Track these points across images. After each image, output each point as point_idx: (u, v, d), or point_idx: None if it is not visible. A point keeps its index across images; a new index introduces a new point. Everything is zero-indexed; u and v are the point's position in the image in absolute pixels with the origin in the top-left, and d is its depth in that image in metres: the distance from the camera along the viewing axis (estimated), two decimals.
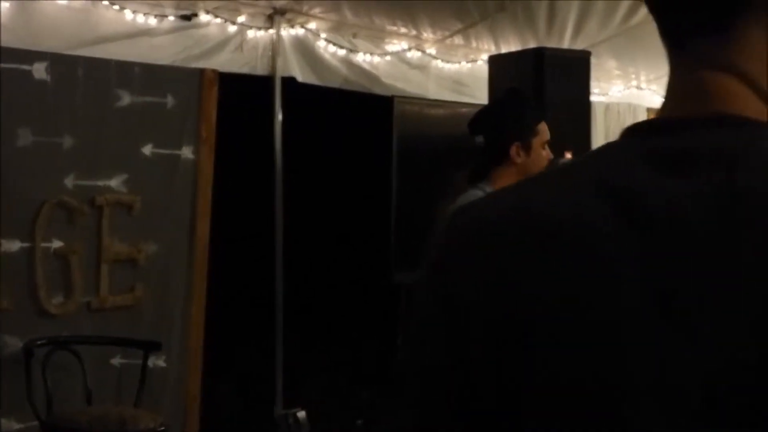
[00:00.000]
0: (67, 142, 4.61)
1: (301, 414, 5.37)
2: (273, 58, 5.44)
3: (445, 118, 5.95)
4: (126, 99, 4.81)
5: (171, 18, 4.95)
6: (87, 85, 4.73)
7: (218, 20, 5.16)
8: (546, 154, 3.54)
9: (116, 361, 4.76)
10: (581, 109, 5.52)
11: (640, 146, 0.79)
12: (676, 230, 0.72)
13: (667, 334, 0.69)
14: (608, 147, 0.85)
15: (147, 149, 4.89)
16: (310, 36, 5.61)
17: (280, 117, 5.52)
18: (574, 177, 0.83)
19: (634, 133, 0.82)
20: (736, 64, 0.77)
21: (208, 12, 5.07)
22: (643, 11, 6.39)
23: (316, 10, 5.50)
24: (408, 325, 0.90)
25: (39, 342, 4.35)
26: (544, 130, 3.64)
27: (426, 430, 0.80)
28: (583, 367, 0.71)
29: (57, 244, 4.57)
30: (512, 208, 0.82)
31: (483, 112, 3.91)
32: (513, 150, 3.53)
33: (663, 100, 0.84)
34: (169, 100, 5.02)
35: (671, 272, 0.70)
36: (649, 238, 0.72)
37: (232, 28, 5.23)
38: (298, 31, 5.53)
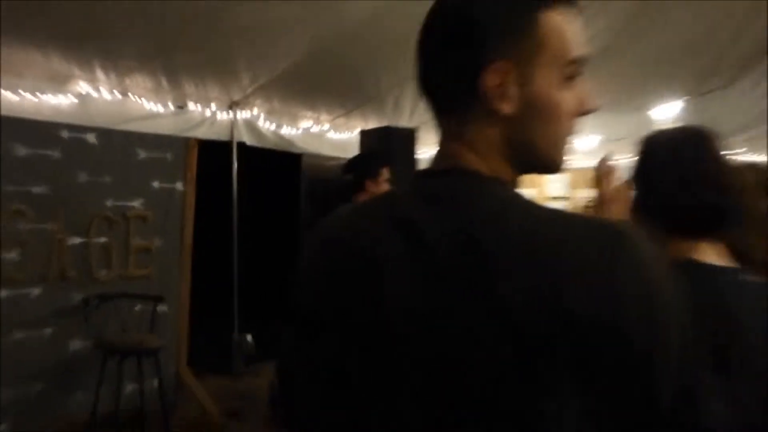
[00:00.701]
0: (108, 179, 5.26)
1: (249, 337, 6.15)
2: (231, 131, 6.07)
3: (334, 168, 6.18)
4: (143, 154, 5.49)
5: (171, 107, 5.59)
6: (120, 147, 5.33)
7: (199, 108, 5.78)
8: (386, 186, 3.84)
9: (138, 308, 5.35)
10: (412, 164, 6.03)
11: (415, 188, 1.02)
12: (431, 247, 0.93)
13: (416, 315, 0.90)
14: (402, 188, 1.07)
15: (155, 184, 5.60)
16: (253, 117, 6.23)
17: (235, 166, 6.20)
18: (379, 209, 1.06)
19: (416, 178, 1.06)
20: (465, 137, 1.00)
21: (192, 103, 5.74)
22: None
23: (257, 102, 6.12)
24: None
25: (93, 297, 5.00)
26: (385, 172, 4.03)
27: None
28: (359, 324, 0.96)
29: (102, 239, 5.23)
30: (338, 229, 1.08)
31: (350, 161, 4.35)
32: (368, 183, 3.95)
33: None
34: (168, 155, 5.68)
35: (425, 274, 0.91)
36: (417, 253, 0.93)
37: (207, 112, 5.86)
38: (247, 114, 6.15)
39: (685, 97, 6.66)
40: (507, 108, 0.94)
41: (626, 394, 0.87)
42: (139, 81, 5.23)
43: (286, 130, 6.52)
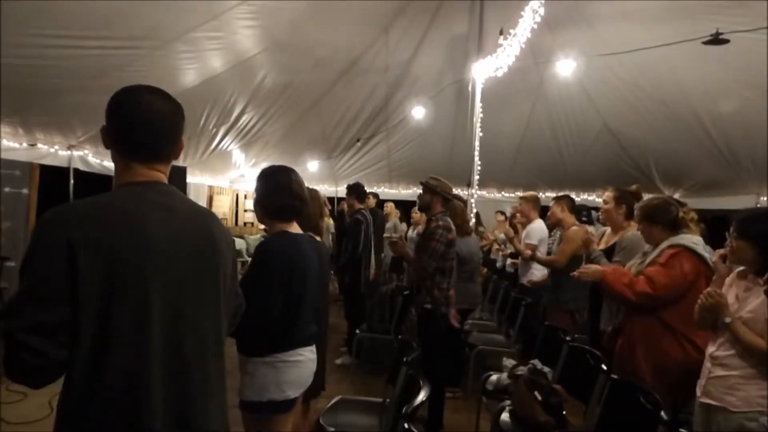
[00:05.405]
0: None
1: None
2: (69, 161, 5.37)
3: None
4: (7, 171, 4.90)
5: (25, 145, 4.92)
6: None
7: (46, 147, 5.14)
8: None
9: None
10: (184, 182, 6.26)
11: (151, 190, 1.04)
12: (178, 212, 1.02)
13: (159, 263, 0.95)
14: (138, 184, 1.04)
15: (7, 189, 5.00)
16: (85, 155, 5.55)
17: (72, 182, 5.42)
18: (135, 194, 1.03)
19: (147, 185, 1.04)
20: (161, 170, 1.04)
21: (41, 143, 5.06)
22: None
23: (88, 146, 5.43)
24: (30, 258, 0.90)
25: None
26: None
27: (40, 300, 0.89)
28: (127, 274, 0.91)
29: None
30: (105, 204, 1.00)
31: None
32: None
33: (128, 178, 1.03)
34: (17, 172, 5.05)
35: (177, 224, 0.99)
36: (171, 215, 0.99)
37: (52, 150, 5.18)
38: (82, 152, 5.48)
39: (321, 159, 8.27)
40: (178, 157, 1.13)
41: (236, 278, 1.19)
42: (2, 127, 4.65)
43: (107, 162, 5.74)
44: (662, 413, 1.58)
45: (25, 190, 5.26)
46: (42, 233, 0.94)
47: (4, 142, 4.86)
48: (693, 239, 2.16)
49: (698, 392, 1.74)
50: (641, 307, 2.11)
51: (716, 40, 3.74)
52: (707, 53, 4.11)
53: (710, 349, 1.75)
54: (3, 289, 4.33)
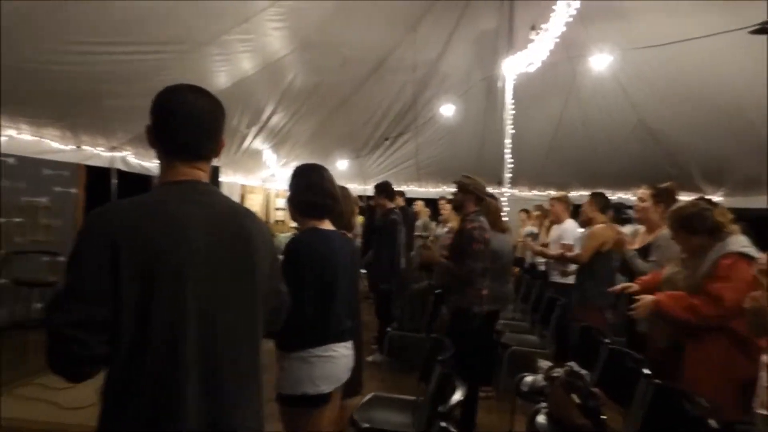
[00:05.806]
0: (23, 185, 4.86)
1: None
2: (111, 161, 5.60)
3: None
4: (48, 171, 5.09)
5: (72, 146, 5.17)
6: (32, 166, 4.88)
7: (91, 148, 5.38)
8: None
9: (45, 258, 4.86)
10: (216, 181, 6.16)
11: (190, 188, 1.04)
12: (217, 211, 0.99)
13: (198, 258, 0.94)
14: (180, 183, 1.04)
15: (57, 189, 5.24)
16: (125, 155, 5.72)
17: (114, 182, 5.65)
18: (176, 193, 1.03)
19: (185, 183, 1.04)
20: (202, 168, 1.06)
21: (86, 145, 5.31)
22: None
23: (128, 148, 5.59)
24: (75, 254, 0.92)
25: (10, 253, 4.53)
26: None
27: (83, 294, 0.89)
28: (168, 272, 0.91)
29: (18, 219, 4.77)
30: (151, 202, 1.02)
31: None
32: None
33: (170, 176, 1.02)
34: (65, 173, 5.27)
35: (214, 222, 0.98)
36: (209, 214, 0.98)
37: (96, 151, 5.43)
38: (123, 153, 5.67)
39: (350, 158, 8.29)
40: (219, 155, 1.15)
41: (278, 275, 1.20)
42: (51, 131, 4.92)
43: (146, 163, 6.12)
44: (710, 421, 1.48)
45: (73, 190, 5.53)
46: (87, 233, 0.96)
47: (54, 144, 5.11)
48: (741, 242, 2.03)
49: (756, 404, 1.66)
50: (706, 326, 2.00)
51: (765, 29, 3.49)
52: (751, 43, 3.90)
53: (765, 357, 1.67)
54: (54, 283, 4.52)
